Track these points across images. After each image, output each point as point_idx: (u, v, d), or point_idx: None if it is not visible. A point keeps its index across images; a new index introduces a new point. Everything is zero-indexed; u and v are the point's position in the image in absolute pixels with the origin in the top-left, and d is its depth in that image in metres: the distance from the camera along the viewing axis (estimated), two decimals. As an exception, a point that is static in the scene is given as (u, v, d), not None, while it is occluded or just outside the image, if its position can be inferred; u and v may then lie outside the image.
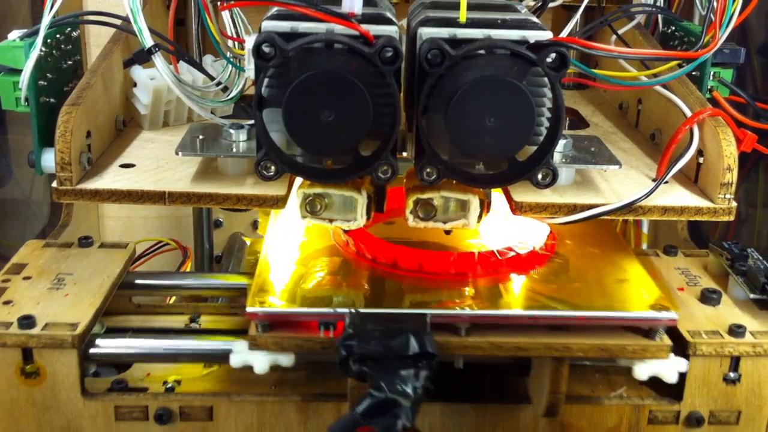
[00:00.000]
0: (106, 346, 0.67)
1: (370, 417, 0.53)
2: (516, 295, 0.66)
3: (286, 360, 0.63)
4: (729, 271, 0.73)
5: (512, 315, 0.63)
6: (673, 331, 0.66)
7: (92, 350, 0.66)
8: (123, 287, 0.74)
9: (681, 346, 0.66)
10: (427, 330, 0.59)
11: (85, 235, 0.79)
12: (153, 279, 0.78)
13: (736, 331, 0.66)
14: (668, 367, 0.64)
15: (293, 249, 0.72)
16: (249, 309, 0.61)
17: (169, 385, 0.68)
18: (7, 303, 0.67)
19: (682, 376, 0.66)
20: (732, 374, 0.66)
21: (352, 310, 0.61)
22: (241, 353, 0.63)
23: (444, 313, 0.62)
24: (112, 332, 0.72)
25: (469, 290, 0.65)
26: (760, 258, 0.73)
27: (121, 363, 0.70)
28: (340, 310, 0.61)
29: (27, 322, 0.63)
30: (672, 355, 0.63)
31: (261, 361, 0.63)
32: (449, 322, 0.62)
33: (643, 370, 0.64)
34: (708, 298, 0.71)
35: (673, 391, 0.67)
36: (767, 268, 0.71)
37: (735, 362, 0.66)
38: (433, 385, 0.55)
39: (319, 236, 0.73)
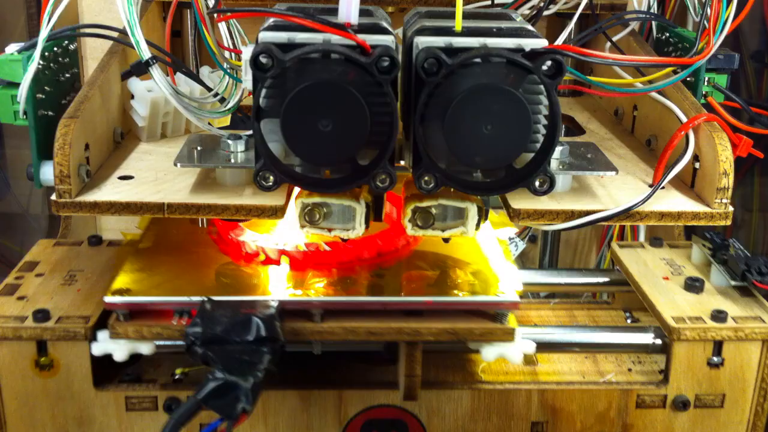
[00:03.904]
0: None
1: (211, 400, 0.56)
2: (374, 282, 0.68)
3: (146, 348, 0.65)
4: (711, 260, 0.77)
5: (363, 301, 0.66)
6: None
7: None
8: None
9: (666, 332, 0.70)
10: (275, 315, 0.61)
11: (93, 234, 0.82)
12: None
13: (718, 316, 0.70)
14: (513, 349, 0.66)
15: (164, 241, 0.74)
16: (106, 299, 0.64)
17: (177, 377, 0.71)
18: (21, 298, 0.71)
19: (668, 361, 0.70)
20: (715, 358, 0.70)
21: (205, 298, 0.63)
22: (102, 342, 0.65)
23: (296, 299, 0.65)
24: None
25: (329, 278, 0.68)
26: (741, 247, 0.77)
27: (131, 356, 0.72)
28: (194, 298, 0.64)
29: (41, 315, 0.67)
30: (518, 337, 0.66)
31: (120, 350, 0.65)
32: (303, 308, 0.65)
33: (490, 353, 0.66)
34: (691, 286, 0.75)
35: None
36: (747, 257, 0.75)
37: (718, 346, 0.69)
38: (276, 369, 0.58)
39: (191, 230, 0.76)
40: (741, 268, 0.73)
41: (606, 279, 0.85)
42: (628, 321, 0.83)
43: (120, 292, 0.65)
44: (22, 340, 0.66)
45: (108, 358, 0.68)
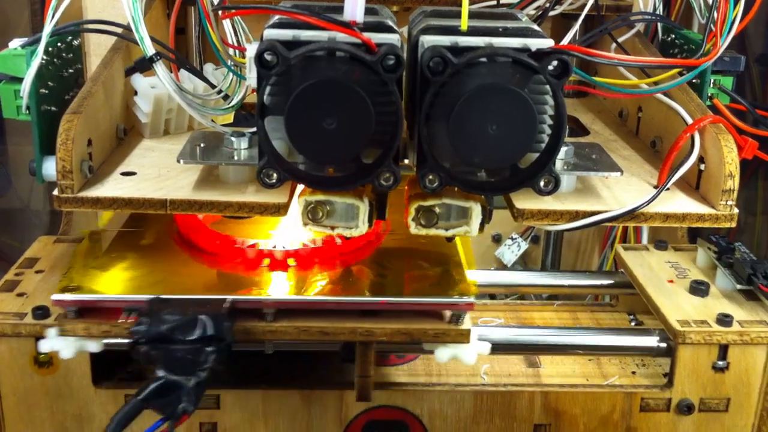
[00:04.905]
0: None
1: (153, 400, 0.55)
2: (332, 281, 0.67)
3: (94, 346, 0.64)
4: (716, 264, 0.77)
5: (316, 300, 0.65)
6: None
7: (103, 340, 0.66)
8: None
9: (671, 335, 0.69)
10: (223, 315, 0.60)
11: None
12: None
13: (724, 320, 0.69)
14: (467, 350, 0.65)
15: (123, 238, 0.73)
16: (54, 297, 0.62)
17: None
18: (20, 295, 0.70)
19: (673, 365, 0.69)
20: (720, 362, 0.69)
21: (153, 296, 0.62)
22: (50, 339, 0.64)
23: (247, 298, 0.64)
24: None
25: (287, 277, 0.67)
26: (746, 251, 0.77)
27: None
28: (144, 296, 0.62)
29: (41, 312, 0.67)
30: (475, 339, 0.64)
31: (68, 348, 0.63)
32: (254, 307, 0.64)
33: (443, 354, 0.65)
34: (696, 289, 0.74)
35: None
36: (753, 261, 0.75)
37: (723, 350, 0.69)
38: (223, 368, 0.57)
39: (154, 227, 0.75)
40: (747, 272, 0.72)
41: (610, 281, 0.84)
42: (632, 324, 0.83)
43: (69, 289, 0.63)
44: (21, 337, 0.66)
45: (108, 354, 0.68)
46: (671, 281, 0.77)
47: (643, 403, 0.70)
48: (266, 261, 0.69)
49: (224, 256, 0.70)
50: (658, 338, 0.72)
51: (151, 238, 0.73)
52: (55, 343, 0.63)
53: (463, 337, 0.64)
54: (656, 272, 0.79)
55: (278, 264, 0.69)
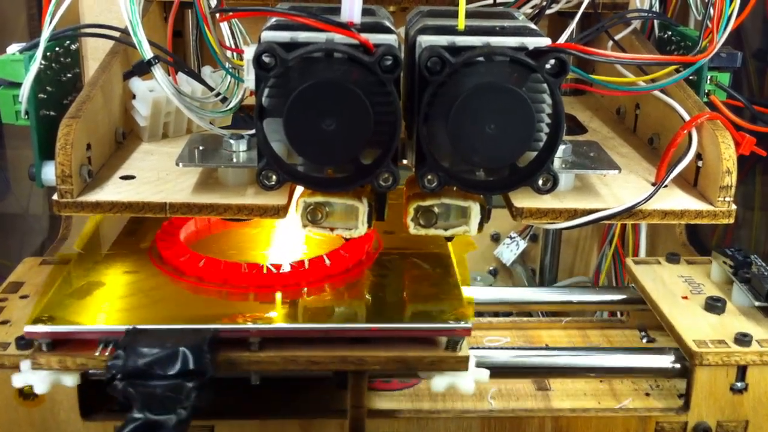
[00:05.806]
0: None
1: None
2: (320, 307, 0.65)
3: (70, 380, 0.61)
4: (733, 279, 0.73)
5: (302, 329, 0.62)
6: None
7: (91, 370, 0.63)
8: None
9: (687, 356, 0.66)
10: (204, 346, 0.57)
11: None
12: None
13: (742, 339, 0.66)
14: (466, 379, 0.62)
15: (101, 264, 0.70)
16: (26, 328, 0.60)
17: None
18: (4, 323, 0.67)
19: (689, 387, 0.66)
20: (739, 384, 0.66)
21: (130, 327, 0.59)
22: (24, 373, 0.61)
23: (230, 327, 0.61)
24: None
25: (274, 304, 0.65)
26: (764, 265, 0.74)
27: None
28: (121, 327, 0.60)
29: (24, 342, 0.63)
30: (472, 366, 0.61)
31: (42, 382, 0.61)
32: (239, 336, 0.61)
33: (440, 383, 0.62)
34: (713, 306, 0.71)
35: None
36: None
37: (742, 371, 0.66)
38: (207, 402, 0.55)
39: (132, 251, 0.72)
40: (766, 288, 0.70)
41: (621, 296, 0.81)
42: (644, 341, 0.81)
43: (42, 320, 0.61)
44: (5, 369, 0.63)
45: (96, 383, 0.64)
46: (685, 297, 0.74)
47: (657, 427, 0.68)
48: (251, 295, 0.67)
49: (208, 279, 0.68)
50: (673, 358, 0.69)
51: (133, 261, 0.71)
52: (28, 377, 0.61)
53: (461, 364, 0.62)
54: (669, 288, 0.76)
55: (265, 288, 0.67)
